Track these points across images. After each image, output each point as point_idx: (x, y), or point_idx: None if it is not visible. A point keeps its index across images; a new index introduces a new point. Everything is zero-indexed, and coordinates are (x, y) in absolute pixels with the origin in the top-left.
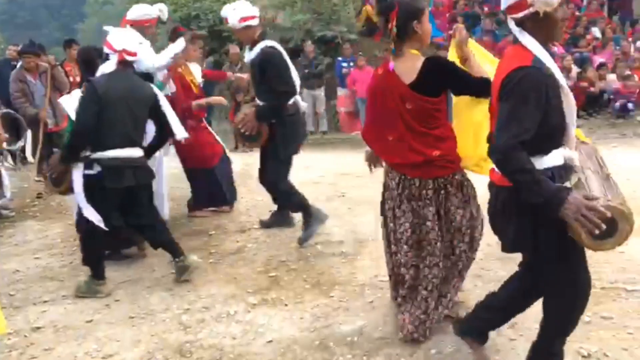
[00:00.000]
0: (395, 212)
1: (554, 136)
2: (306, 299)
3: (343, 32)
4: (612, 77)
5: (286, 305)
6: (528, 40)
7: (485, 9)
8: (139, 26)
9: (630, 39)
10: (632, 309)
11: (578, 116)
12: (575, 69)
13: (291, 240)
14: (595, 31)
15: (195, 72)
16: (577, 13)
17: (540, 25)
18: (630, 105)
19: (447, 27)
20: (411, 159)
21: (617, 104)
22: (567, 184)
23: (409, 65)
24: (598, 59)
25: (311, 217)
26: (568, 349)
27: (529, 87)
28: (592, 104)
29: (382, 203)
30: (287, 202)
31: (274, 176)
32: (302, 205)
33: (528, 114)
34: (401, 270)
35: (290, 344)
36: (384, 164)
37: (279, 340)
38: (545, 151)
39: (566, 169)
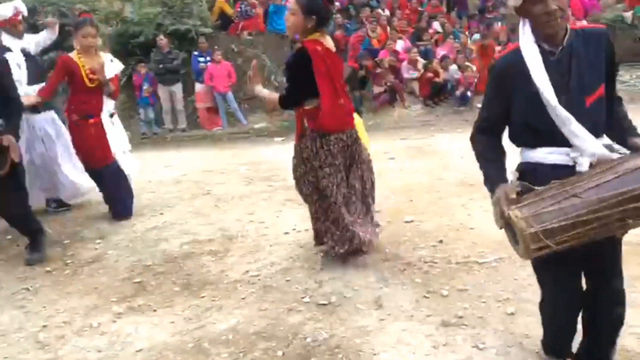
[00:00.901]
0: (340, 174)
1: (537, 131)
2: (176, 302)
3: (197, 25)
4: (454, 68)
5: (155, 310)
6: (521, 33)
7: (337, 4)
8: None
9: (467, 33)
10: (484, 280)
11: (425, 104)
12: (421, 61)
13: (156, 243)
14: (437, 25)
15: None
16: (419, 8)
17: (530, 20)
18: (469, 94)
19: None
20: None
21: (459, 93)
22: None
23: (330, 44)
24: (440, 52)
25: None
26: (430, 321)
27: (490, 76)
28: (437, 93)
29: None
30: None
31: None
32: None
33: (485, 102)
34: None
35: (161, 350)
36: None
37: (149, 348)
38: (529, 145)
39: (559, 170)
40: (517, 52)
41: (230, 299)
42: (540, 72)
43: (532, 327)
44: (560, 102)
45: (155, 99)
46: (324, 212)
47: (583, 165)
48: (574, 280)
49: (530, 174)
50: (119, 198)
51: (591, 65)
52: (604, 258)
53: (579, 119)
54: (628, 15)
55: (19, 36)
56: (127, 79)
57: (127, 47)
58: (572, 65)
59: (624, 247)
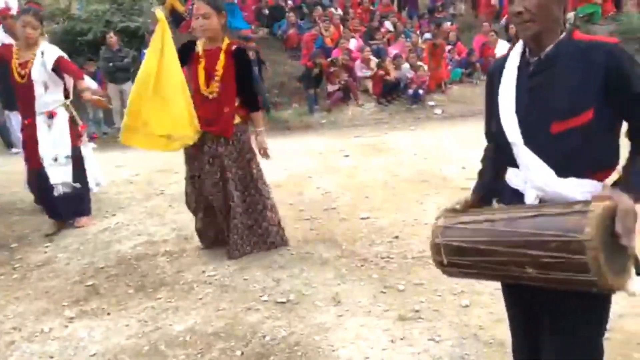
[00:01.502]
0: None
1: (498, 145)
2: (130, 305)
3: (147, 23)
4: (406, 66)
5: (109, 314)
6: None
7: (290, 2)
8: None
9: (418, 32)
10: (439, 274)
11: (378, 103)
12: (374, 60)
13: (108, 244)
14: (388, 24)
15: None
16: (371, 8)
17: None
18: (420, 92)
19: (253, 20)
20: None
21: (411, 91)
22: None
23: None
24: (393, 50)
25: None
26: (387, 316)
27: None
28: (390, 91)
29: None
30: None
31: None
32: None
33: (485, 107)
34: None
35: (117, 353)
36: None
37: (103, 352)
38: (503, 161)
39: (517, 195)
40: (506, 57)
41: (187, 300)
42: (507, 83)
43: (486, 318)
44: (519, 121)
45: (104, 98)
46: None
47: (528, 196)
48: (522, 325)
49: (501, 194)
50: (45, 205)
51: (575, 85)
52: (551, 311)
53: (538, 146)
54: (571, 15)
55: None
56: None
57: (75, 45)
58: (544, 81)
59: None
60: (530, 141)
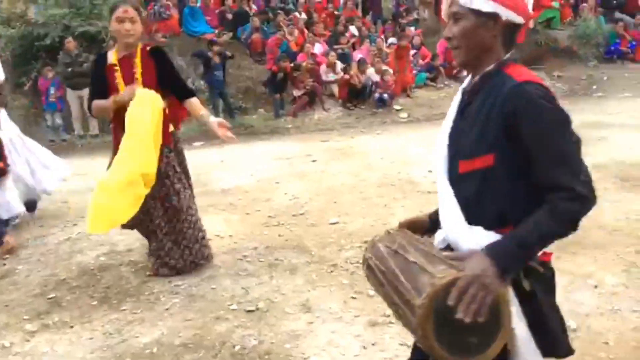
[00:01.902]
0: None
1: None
2: (94, 317)
3: (107, 27)
4: (371, 71)
5: (72, 327)
6: None
7: (254, 6)
8: None
9: (382, 37)
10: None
11: (345, 107)
12: (339, 64)
13: (70, 255)
14: (353, 29)
15: None
16: (336, 12)
17: None
18: (386, 96)
19: (216, 24)
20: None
21: (377, 95)
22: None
23: None
24: (358, 55)
25: None
26: (358, 322)
27: None
28: (356, 96)
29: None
30: None
31: None
32: None
33: None
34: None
35: None
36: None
37: None
38: None
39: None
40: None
41: (153, 311)
42: (450, 110)
43: None
44: (447, 154)
45: (62, 104)
46: None
47: (436, 238)
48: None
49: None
50: None
51: (481, 125)
52: None
53: (451, 184)
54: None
55: None
56: (32, 83)
57: (32, 50)
58: (467, 114)
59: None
60: (449, 180)
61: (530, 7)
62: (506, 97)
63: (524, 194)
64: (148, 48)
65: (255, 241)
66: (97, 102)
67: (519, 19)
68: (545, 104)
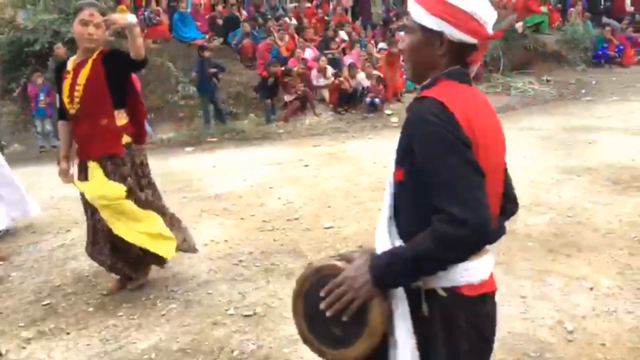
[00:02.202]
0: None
1: None
2: (91, 323)
3: None
4: (362, 75)
5: (68, 333)
6: None
7: (244, 12)
8: None
9: (372, 42)
10: None
11: (336, 112)
12: (330, 69)
13: (64, 262)
14: (343, 34)
15: None
16: (326, 18)
17: None
18: (377, 101)
19: (207, 29)
20: None
21: (368, 100)
22: None
23: None
24: (348, 60)
25: None
26: None
27: None
28: (347, 100)
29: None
30: None
31: None
32: None
33: None
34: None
35: None
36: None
37: None
38: None
39: None
40: None
41: (150, 317)
42: None
43: None
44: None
45: (52, 110)
46: None
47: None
48: None
49: None
50: None
51: (399, 139)
52: None
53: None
54: (519, 25)
55: None
56: (21, 89)
57: (21, 56)
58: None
59: (531, 242)
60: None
61: (488, 28)
62: (408, 129)
63: (428, 211)
64: (103, 53)
65: (251, 246)
66: (60, 131)
67: (470, 40)
68: (430, 120)
